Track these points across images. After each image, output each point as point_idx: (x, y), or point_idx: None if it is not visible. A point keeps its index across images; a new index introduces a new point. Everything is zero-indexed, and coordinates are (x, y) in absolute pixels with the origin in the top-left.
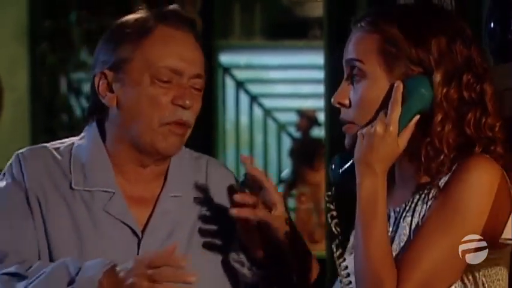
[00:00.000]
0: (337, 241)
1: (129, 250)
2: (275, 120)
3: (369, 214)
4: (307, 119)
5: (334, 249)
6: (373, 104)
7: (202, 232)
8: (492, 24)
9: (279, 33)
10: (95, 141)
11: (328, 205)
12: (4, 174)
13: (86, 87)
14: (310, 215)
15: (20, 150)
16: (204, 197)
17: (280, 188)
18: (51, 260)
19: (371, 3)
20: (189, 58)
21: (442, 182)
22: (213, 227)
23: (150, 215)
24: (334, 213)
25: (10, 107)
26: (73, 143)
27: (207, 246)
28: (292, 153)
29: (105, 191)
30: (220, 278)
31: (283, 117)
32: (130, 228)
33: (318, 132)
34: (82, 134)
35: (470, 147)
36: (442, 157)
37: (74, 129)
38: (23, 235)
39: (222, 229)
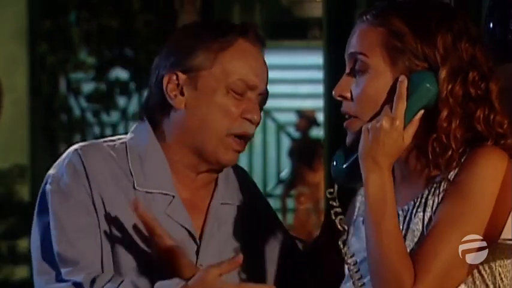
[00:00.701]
0: (344, 238)
1: (188, 254)
2: (274, 120)
3: (379, 209)
4: (306, 119)
5: (341, 246)
6: (375, 98)
7: (253, 242)
8: (491, 25)
9: (278, 33)
10: (151, 142)
11: (330, 202)
12: (61, 171)
13: (86, 87)
14: (309, 215)
15: (78, 145)
16: (249, 205)
17: (280, 188)
18: (114, 261)
19: (371, 4)
20: (261, 74)
21: (452, 175)
22: (260, 237)
23: (204, 222)
24: (339, 209)
25: (9, 107)
26: (125, 142)
27: (258, 255)
28: (292, 153)
29: (165, 194)
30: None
31: (282, 117)
32: (190, 233)
33: (317, 132)
34: (131, 133)
35: (480, 141)
36: (450, 152)
37: (73, 129)
38: (89, 236)
39: (268, 238)
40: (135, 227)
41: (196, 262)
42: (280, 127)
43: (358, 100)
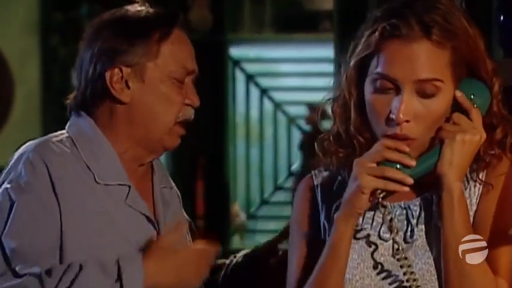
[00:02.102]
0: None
1: (151, 242)
2: (285, 113)
3: (466, 217)
4: (317, 112)
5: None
6: (443, 117)
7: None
8: (502, 17)
9: (289, 27)
10: (98, 136)
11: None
12: (19, 170)
13: None
14: None
15: (32, 144)
16: (173, 188)
17: (290, 181)
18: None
19: None
20: (194, 58)
21: (482, 176)
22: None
23: (154, 208)
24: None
25: (21, 100)
26: (70, 137)
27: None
28: (302, 146)
29: (123, 185)
30: None
31: (293, 110)
32: (150, 220)
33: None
34: (70, 128)
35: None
36: (488, 158)
37: None
38: (47, 231)
39: None
40: (99, 219)
41: None
42: (291, 120)
43: (424, 122)
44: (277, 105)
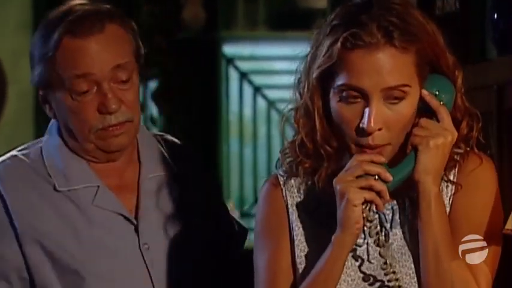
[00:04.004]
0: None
1: (129, 238)
2: (279, 111)
3: (444, 220)
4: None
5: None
6: (411, 119)
7: (187, 211)
8: (496, 15)
9: (282, 24)
10: (61, 141)
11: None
12: None
13: None
14: None
15: None
16: (183, 173)
17: None
18: (59, 264)
19: None
20: (97, 59)
21: (452, 176)
22: (193, 209)
23: (138, 201)
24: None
25: (14, 99)
26: (40, 146)
27: (194, 222)
28: None
29: (89, 186)
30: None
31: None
32: (124, 216)
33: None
34: (46, 134)
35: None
36: (457, 156)
37: None
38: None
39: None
40: (66, 227)
41: (139, 240)
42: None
43: (395, 127)
44: (271, 104)
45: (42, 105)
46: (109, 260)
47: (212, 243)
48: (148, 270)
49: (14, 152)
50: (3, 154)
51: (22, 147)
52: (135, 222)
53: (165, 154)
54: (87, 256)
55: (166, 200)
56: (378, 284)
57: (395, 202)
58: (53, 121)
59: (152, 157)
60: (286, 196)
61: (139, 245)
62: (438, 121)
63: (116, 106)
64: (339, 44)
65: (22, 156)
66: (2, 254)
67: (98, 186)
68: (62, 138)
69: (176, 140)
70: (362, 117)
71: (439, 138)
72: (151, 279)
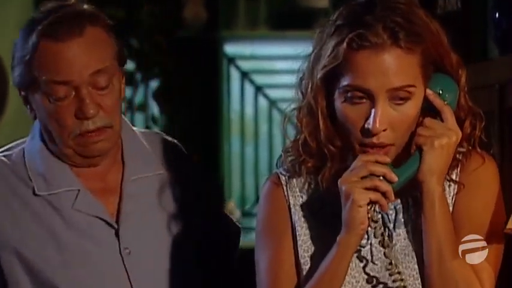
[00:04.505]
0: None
1: (109, 242)
2: (280, 110)
3: (448, 220)
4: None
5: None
6: (416, 119)
7: (177, 211)
8: (497, 15)
9: (284, 24)
10: (42, 144)
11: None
12: None
13: None
14: None
15: None
16: (173, 173)
17: None
18: (34, 272)
19: None
20: (76, 65)
21: (454, 175)
22: (180, 206)
23: (119, 204)
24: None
25: (15, 97)
26: (23, 148)
27: (182, 224)
28: None
29: (70, 190)
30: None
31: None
32: (104, 220)
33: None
34: (29, 135)
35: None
36: (460, 156)
37: None
38: None
39: (187, 207)
40: (45, 232)
41: (119, 244)
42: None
43: (400, 127)
44: (272, 103)
45: (25, 105)
46: (87, 266)
47: (202, 245)
48: (128, 275)
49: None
50: None
51: (6, 147)
52: (115, 226)
53: (152, 154)
54: (64, 263)
55: (150, 202)
56: (381, 286)
57: (398, 201)
58: (36, 121)
59: (136, 158)
60: (288, 195)
61: (119, 250)
62: (442, 121)
63: (94, 111)
64: (344, 44)
65: (4, 158)
66: None
67: (79, 190)
68: (43, 141)
69: (168, 139)
70: (367, 117)
71: (444, 138)
72: (131, 285)
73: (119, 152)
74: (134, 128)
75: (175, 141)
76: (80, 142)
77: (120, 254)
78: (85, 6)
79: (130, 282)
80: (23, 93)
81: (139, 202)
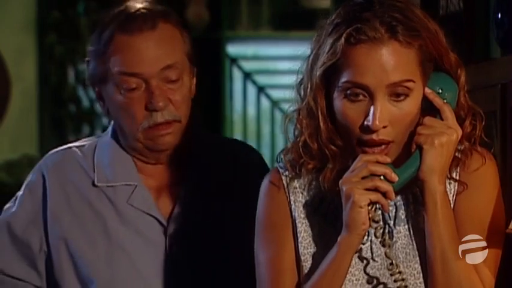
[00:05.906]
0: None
1: (156, 240)
2: (282, 111)
3: (450, 219)
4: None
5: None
6: (416, 116)
7: (226, 221)
8: (500, 15)
9: (286, 24)
10: (112, 138)
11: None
12: (22, 188)
13: None
14: None
15: (44, 162)
16: (227, 184)
17: None
18: (78, 262)
19: None
20: (147, 58)
21: (455, 174)
22: (236, 218)
23: (174, 205)
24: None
25: (18, 97)
26: (97, 140)
27: (236, 231)
28: None
29: (128, 185)
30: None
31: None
32: (155, 218)
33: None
34: (108, 129)
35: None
36: (459, 154)
37: (81, 119)
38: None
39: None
40: (98, 223)
41: (166, 243)
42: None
43: (400, 124)
44: (275, 103)
45: (98, 101)
46: (131, 260)
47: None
48: (170, 275)
49: (72, 144)
50: (7, 151)
51: (86, 139)
52: (165, 224)
53: (219, 162)
54: (110, 254)
55: (203, 208)
56: (381, 286)
57: (398, 198)
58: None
59: (200, 162)
60: (288, 191)
61: (165, 248)
62: (442, 119)
63: (163, 104)
64: (342, 39)
65: (76, 149)
66: (28, 242)
67: (136, 185)
68: (115, 136)
69: (244, 148)
70: (367, 115)
71: (444, 137)
72: (171, 285)
73: (184, 155)
74: (218, 135)
75: (259, 157)
76: (149, 135)
77: (165, 253)
78: (159, 5)
79: (171, 282)
80: (96, 88)
81: (193, 207)
